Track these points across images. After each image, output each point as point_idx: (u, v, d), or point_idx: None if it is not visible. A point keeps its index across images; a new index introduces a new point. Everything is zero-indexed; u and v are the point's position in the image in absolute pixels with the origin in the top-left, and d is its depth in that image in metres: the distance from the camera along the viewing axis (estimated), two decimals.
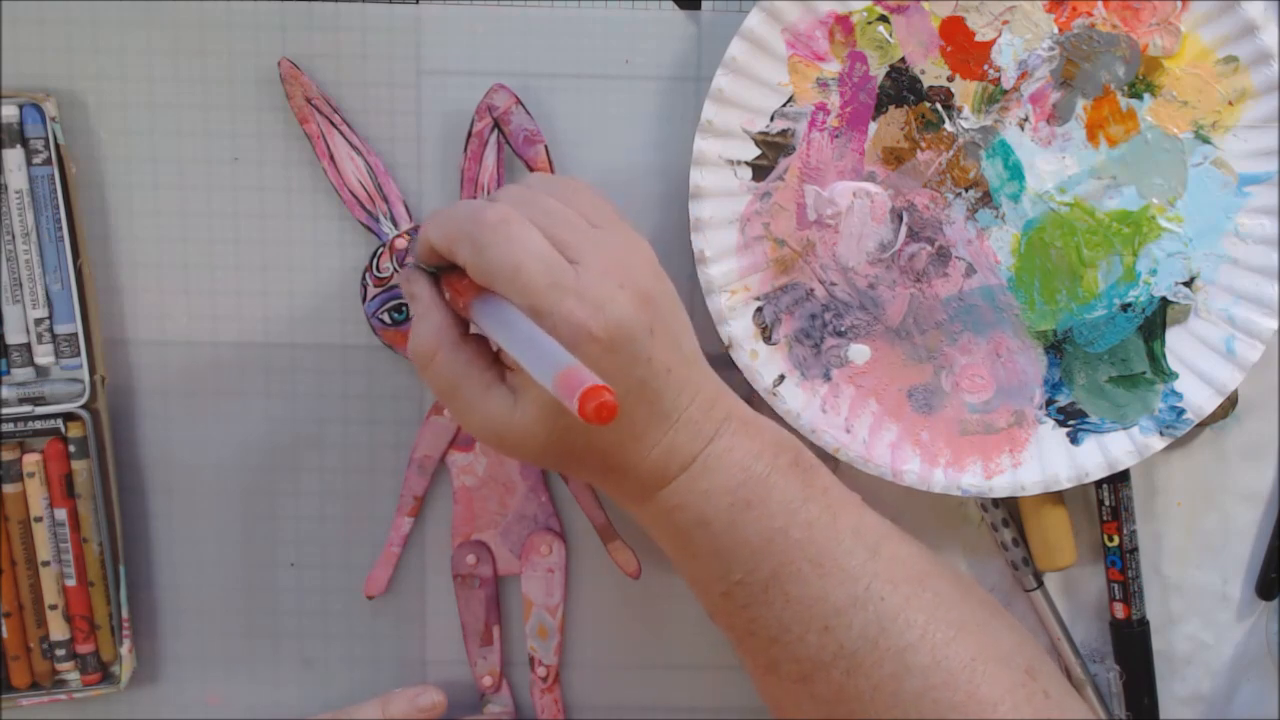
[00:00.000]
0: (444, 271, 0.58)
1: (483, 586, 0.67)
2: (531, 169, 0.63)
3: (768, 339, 0.64)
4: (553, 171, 0.64)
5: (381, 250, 0.64)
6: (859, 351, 0.64)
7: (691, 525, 0.57)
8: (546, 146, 0.63)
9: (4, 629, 0.65)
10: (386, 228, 0.64)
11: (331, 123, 0.63)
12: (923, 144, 0.63)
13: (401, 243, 0.64)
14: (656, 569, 0.67)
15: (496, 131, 0.63)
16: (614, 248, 0.55)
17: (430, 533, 0.67)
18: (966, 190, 0.63)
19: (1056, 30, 0.62)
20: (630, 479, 0.57)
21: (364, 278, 0.64)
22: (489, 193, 0.63)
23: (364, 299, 0.64)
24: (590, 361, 0.52)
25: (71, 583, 0.65)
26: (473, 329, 0.57)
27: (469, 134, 0.63)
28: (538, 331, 0.51)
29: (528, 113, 0.63)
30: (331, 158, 0.63)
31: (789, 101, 0.62)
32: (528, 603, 0.67)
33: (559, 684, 0.68)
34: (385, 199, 0.64)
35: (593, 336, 0.53)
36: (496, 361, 0.57)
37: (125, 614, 0.65)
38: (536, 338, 0.51)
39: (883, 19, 0.62)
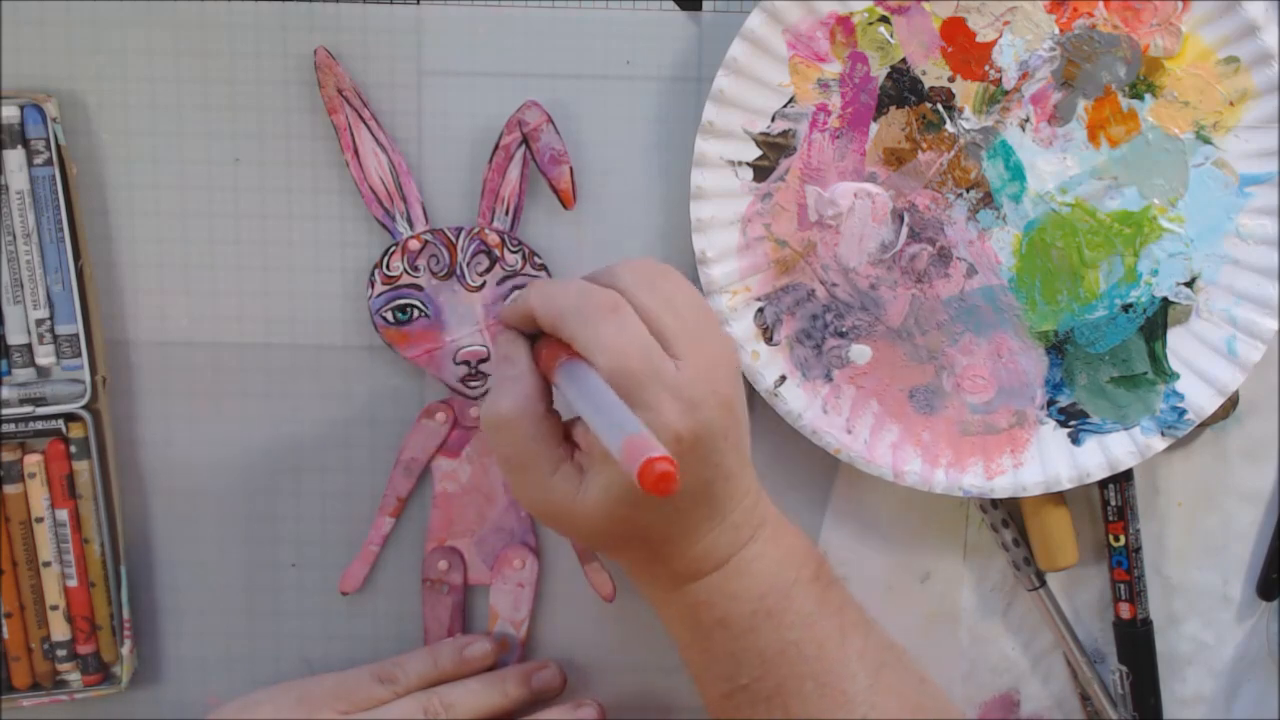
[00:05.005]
0: (539, 337, 0.58)
1: (451, 593, 0.66)
2: (554, 188, 0.63)
3: (769, 340, 0.64)
4: (574, 192, 0.64)
5: (394, 249, 0.64)
6: (860, 352, 0.64)
7: (712, 624, 0.57)
8: (572, 168, 0.64)
9: (5, 629, 0.65)
10: (402, 227, 0.64)
11: (360, 116, 0.63)
12: (924, 145, 0.63)
13: (415, 244, 0.63)
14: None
15: (523, 147, 0.63)
16: (711, 348, 0.55)
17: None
18: (968, 191, 0.63)
19: (1057, 31, 0.62)
20: (666, 569, 0.57)
21: (372, 274, 0.64)
22: (508, 205, 0.63)
23: (370, 295, 0.64)
24: None
25: (73, 583, 0.65)
26: (555, 402, 0.57)
27: (496, 146, 0.63)
28: (616, 400, 0.52)
29: (557, 132, 0.63)
30: (356, 152, 0.63)
31: (790, 102, 0.62)
32: (493, 614, 0.67)
33: None
34: (404, 198, 0.64)
35: (678, 436, 0.53)
36: (567, 439, 0.57)
37: (126, 614, 0.65)
38: (614, 405, 0.51)
39: (884, 20, 0.62)
